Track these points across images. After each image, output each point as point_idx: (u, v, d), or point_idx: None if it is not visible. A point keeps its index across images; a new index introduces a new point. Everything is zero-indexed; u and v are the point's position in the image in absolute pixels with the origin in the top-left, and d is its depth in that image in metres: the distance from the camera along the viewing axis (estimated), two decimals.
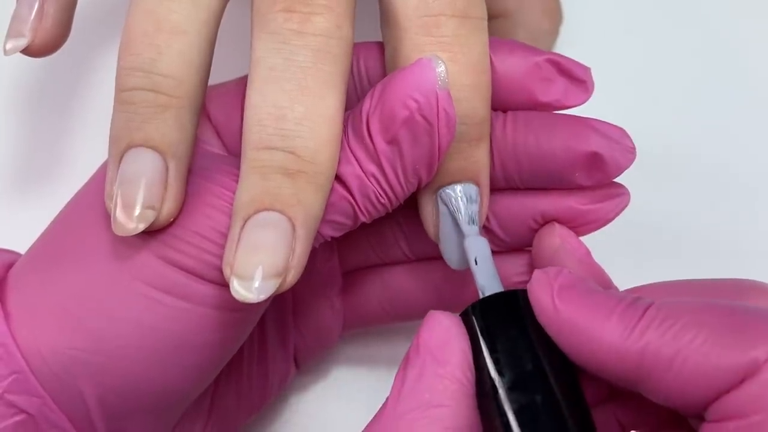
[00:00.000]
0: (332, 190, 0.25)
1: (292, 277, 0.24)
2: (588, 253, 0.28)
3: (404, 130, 0.25)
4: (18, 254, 0.29)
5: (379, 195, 0.26)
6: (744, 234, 0.38)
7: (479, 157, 0.27)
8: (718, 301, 0.22)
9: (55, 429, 0.26)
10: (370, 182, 0.25)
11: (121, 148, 0.25)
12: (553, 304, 0.23)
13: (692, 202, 0.38)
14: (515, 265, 0.30)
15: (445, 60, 0.25)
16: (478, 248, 0.27)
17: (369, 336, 0.35)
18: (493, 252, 0.29)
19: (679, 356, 0.21)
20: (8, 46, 0.30)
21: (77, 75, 0.39)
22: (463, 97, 0.26)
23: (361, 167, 0.25)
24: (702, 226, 0.37)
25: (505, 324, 0.24)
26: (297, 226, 0.24)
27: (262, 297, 0.23)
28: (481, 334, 0.24)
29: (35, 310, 0.26)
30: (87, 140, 0.36)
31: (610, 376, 0.22)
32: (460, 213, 0.27)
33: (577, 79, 0.28)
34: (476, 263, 0.26)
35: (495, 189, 0.28)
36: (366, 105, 0.25)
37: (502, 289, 0.26)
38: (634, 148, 0.27)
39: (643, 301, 0.22)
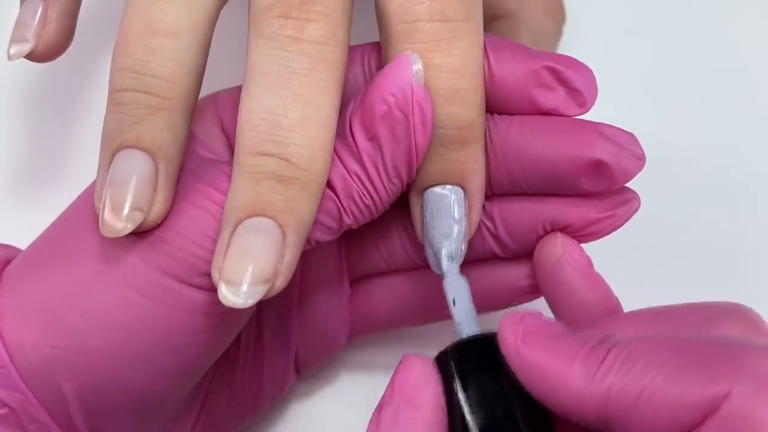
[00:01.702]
0: None
1: (280, 283, 0.24)
2: (590, 264, 0.27)
3: (383, 126, 0.25)
4: (18, 250, 0.29)
5: (362, 195, 0.26)
6: (747, 235, 0.37)
7: (463, 161, 0.26)
8: (681, 336, 0.22)
9: (36, 424, 0.26)
10: (354, 182, 0.25)
11: (111, 149, 0.25)
12: (516, 350, 0.22)
13: (694, 203, 0.37)
14: (521, 270, 0.30)
15: (423, 66, 0.25)
16: (457, 289, 0.26)
17: (368, 342, 0.35)
18: (500, 259, 0.29)
19: (642, 397, 0.21)
20: (12, 51, 0.30)
21: (80, 79, 0.39)
22: (439, 102, 0.25)
23: (344, 167, 0.25)
24: (705, 228, 0.37)
25: (478, 367, 0.24)
26: (288, 233, 0.24)
27: (250, 302, 0.23)
28: (454, 378, 0.24)
29: (23, 307, 0.26)
30: (90, 144, 0.36)
31: (578, 419, 0.22)
32: (439, 253, 0.27)
33: (576, 89, 0.27)
34: (454, 304, 0.26)
35: (502, 194, 0.28)
36: (350, 106, 0.26)
37: (479, 331, 0.25)
38: (643, 155, 0.27)
39: (608, 342, 0.22)
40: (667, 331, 0.23)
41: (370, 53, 0.29)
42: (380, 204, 0.26)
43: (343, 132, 0.26)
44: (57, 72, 0.38)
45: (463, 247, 0.27)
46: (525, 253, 0.29)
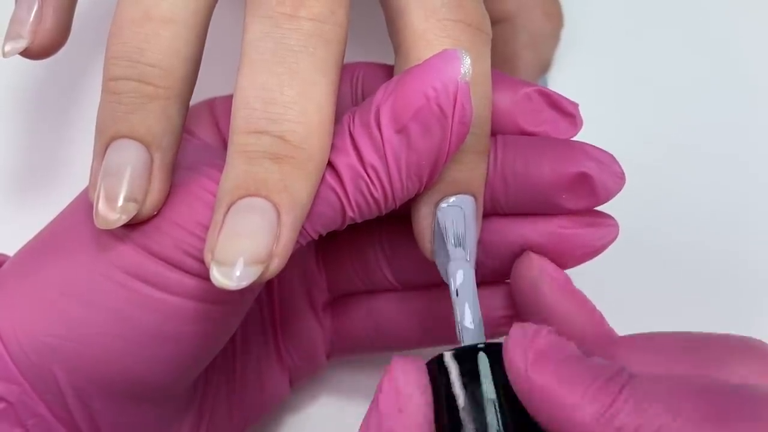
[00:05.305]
0: (322, 179, 0.24)
1: (275, 266, 0.23)
2: (568, 281, 0.26)
3: (417, 120, 0.24)
4: (6, 256, 0.28)
5: (374, 189, 0.24)
6: (747, 236, 0.37)
7: (482, 172, 0.26)
8: (698, 381, 0.20)
9: (35, 418, 0.25)
10: (368, 173, 0.24)
11: (105, 138, 0.25)
12: (526, 372, 0.21)
13: (694, 204, 0.37)
14: (497, 298, 0.29)
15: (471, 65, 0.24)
16: (461, 277, 0.25)
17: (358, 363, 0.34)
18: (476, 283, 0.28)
19: None
20: (7, 48, 0.30)
21: (77, 77, 0.38)
22: (474, 104, 0.24)
23: (360, 157, 0.24)
24: (705, 227, 0.37)
25: (475, 381, 0.22)
26: (282, 212, 0.23)
27: (243, 284, 0.22)
28: (447, 390, 0.22)
29: (17, 298, 0.25)
30: (87, 144, 0.36)
31: None
32: (447, 232, 0.26)
33: (567, 112, 0.27)
34: (457, 295, 0.25)
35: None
36: (378, 96, 0.24)
37: (481, 333, 0.24)
38: (623, 174, 0.26)
39: (622, 376, 0.20)
40: (680, 367, 0.22)
41: (359, 71, 0.28)
42: (391, 202, 0.25)
43: (366, 121, 0.24)
44: (53, 70, 0.38)
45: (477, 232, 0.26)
46: (499, 275, 0.28)
